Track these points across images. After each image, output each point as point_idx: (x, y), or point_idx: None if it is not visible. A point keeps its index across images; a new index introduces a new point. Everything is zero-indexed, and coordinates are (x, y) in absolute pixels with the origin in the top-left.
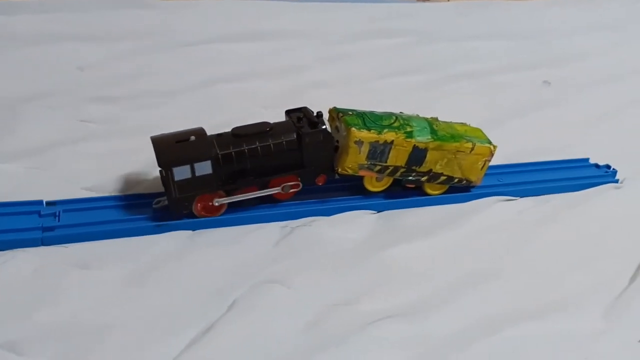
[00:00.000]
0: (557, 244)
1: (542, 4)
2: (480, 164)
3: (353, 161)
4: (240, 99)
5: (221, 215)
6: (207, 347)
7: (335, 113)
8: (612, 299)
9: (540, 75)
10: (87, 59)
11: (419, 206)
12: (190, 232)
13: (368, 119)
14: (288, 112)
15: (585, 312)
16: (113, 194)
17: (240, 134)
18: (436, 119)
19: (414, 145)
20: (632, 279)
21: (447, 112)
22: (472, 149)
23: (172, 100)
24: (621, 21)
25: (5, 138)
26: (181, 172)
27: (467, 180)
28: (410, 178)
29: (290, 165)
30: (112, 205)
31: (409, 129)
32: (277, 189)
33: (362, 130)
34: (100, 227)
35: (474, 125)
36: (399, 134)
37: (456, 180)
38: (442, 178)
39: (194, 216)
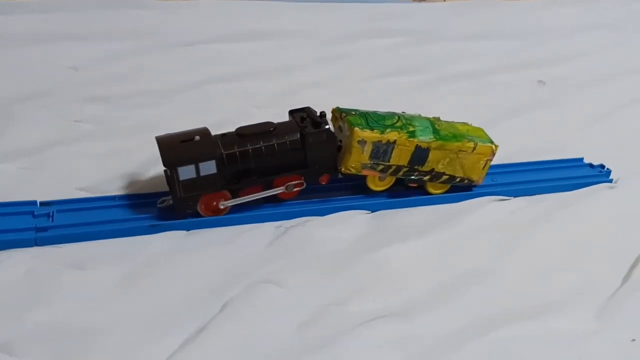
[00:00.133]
0: (550, 243)
1: (538, 3)
2: (482, 163)
3: (356, 161)
4: (234, 99)
5: (225, 214)
6: (201, 347)
7: (339, 113)
8: (604, 299)
9: (536, 75)
10: (82, 59)
11: (413, 206)
12: (184, 232)
13: (371, 119)
14: (291, 112)
15: (578, 312)
16: (107, 195)
17: (245, 134)
18: (438, 119)
19: (417, 144)
20: (625, 279)
21: (443, 112)
22: (474, 148)
23: (165, 100)
24: (617, 21)
25: None
26: (186, 172)
27: (469, 180)
28: (413, 177)
29: (293, 165)
30: (106, 206)
31: (411, 129)
32: (281, 189)
33: (365, 130)
34: (94, 227)
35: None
36: (402, 134)
37: (458, 179)
38: (444, 177)
39: (197, 215)
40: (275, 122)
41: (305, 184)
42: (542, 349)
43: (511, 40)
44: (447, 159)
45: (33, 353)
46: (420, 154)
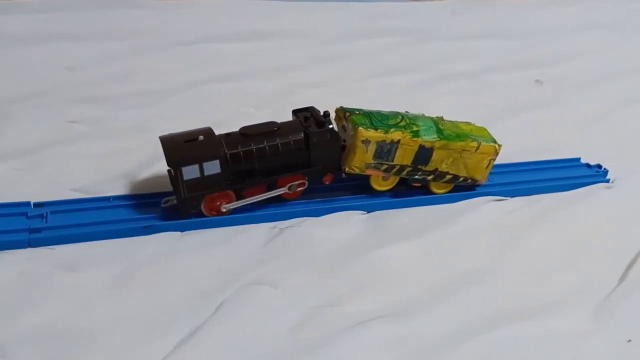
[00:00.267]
0: (547, 243)
1: (537, 3)
2: (486, 162)
3: (360, 160)
4: (231, 99)
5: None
6: (195, 349)
7: (342, 112)
8: (601, 299)
9: (535, 74)
10: (78, 59)
11: (409, 206)
12: (178, 233)
13: (375, 119)
14: (295, 112)
15: (575, 312)
16: (101, 196)
17: (248, 134)
18: (441, 118)
19: (420, 144)
20: (622, 279)
21: (441, 112)
22: (478, 148)
23: (161, 100)
24: (616, 20)
25: None
26: (190, 172)
27: (472, 179)
28: (417, 177)
29: (297, 165)
30: (100, 207)
31: (415, 129)
32: (284, 189)
33: (369, 129)
34: (88, 228)
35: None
36: (406, 133)
37: (462, 179)
38: (448, 177)
39: (200, 214)
40: (278, 121)
41: (307, 184)
42: (538, 349)
43: (510, 40)
44: (451, 159)
45: (25, 355)
46: (424, 154)
